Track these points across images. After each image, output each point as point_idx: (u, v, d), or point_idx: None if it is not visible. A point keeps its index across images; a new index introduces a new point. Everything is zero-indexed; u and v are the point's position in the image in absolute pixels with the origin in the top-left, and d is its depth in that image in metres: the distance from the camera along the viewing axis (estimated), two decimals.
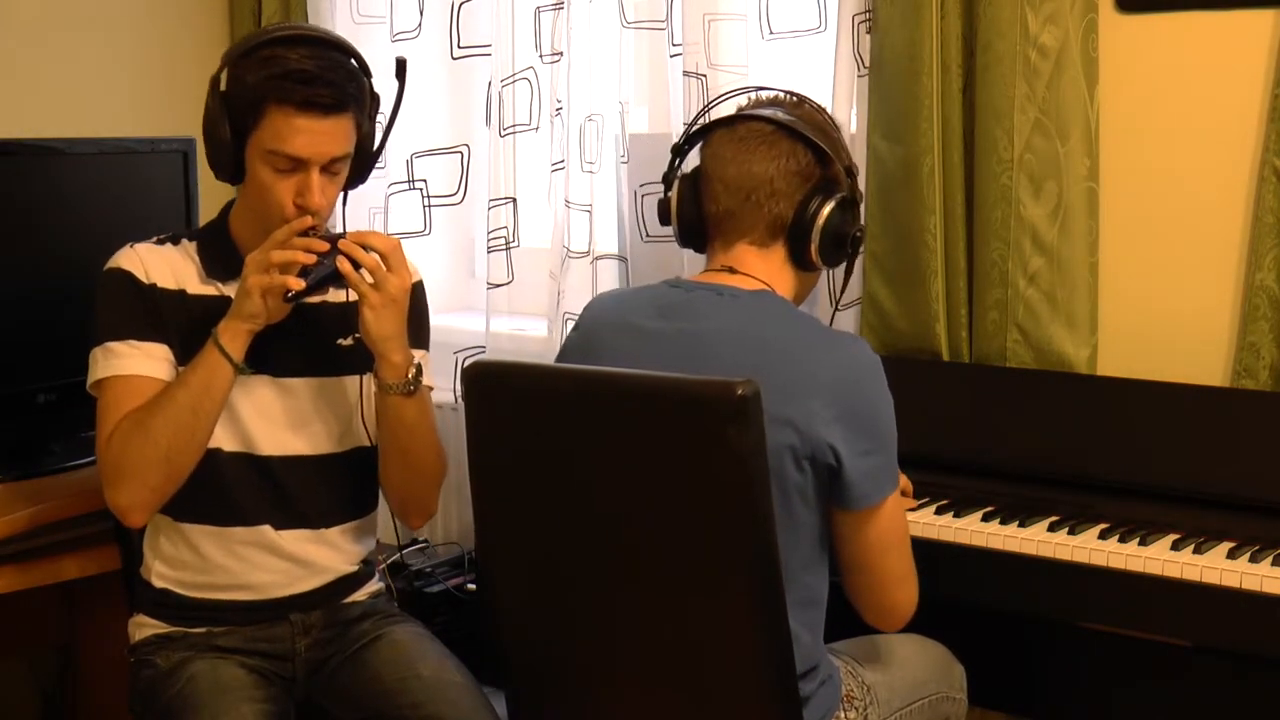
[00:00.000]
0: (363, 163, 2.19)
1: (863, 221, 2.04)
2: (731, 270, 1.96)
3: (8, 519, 2.36)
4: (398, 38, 3.10)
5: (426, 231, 3.17)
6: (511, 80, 2.98)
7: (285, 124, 2.04)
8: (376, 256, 2.08)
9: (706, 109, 2.10)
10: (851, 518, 1.88)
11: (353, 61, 2.13)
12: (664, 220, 2.07)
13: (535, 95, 2.99)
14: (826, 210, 1.94)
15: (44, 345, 2.61)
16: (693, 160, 2.06)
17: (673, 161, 2.08)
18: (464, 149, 3.15)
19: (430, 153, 3.16)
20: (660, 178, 2.09)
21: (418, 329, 2.23)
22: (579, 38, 2.89)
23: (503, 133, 2.98)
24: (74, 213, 2.67)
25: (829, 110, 2.58)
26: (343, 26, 3.15)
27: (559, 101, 2.90)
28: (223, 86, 2.11)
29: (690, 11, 2.73)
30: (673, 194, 2.04)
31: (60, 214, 2.66)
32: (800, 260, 1.97)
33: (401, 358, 2.11)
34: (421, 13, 3.10)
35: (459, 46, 3.07)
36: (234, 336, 2.07)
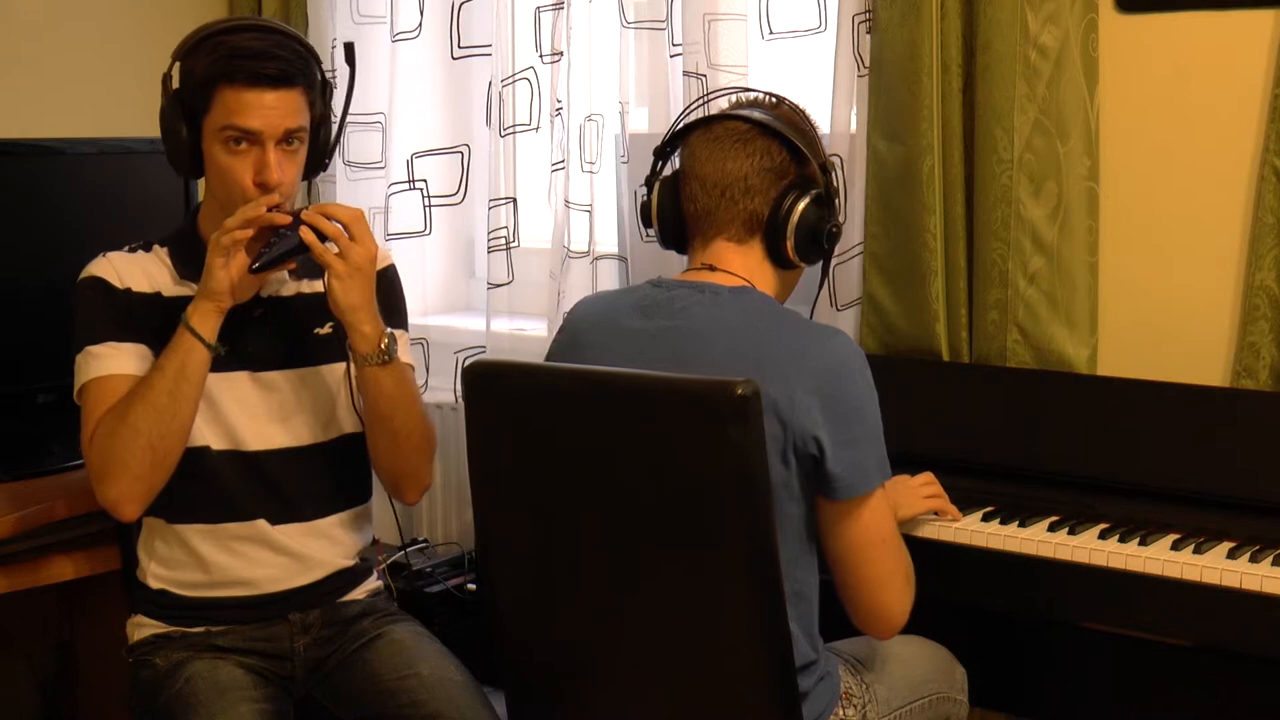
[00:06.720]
0: (320, 148, 2.21)
1: (841, 219, 2.05)
2: (711, 268, 1.98)
3: (6, 519, 2.36)
4: (398, 38, 3.10)
5: (426, 231, 3.17)
6: (511, 80, 2.98)
7: (235, 99, 2.07)
8: (340, 226, 2.09)
9: (686, 112, 2.11)
10: (835, 509, 1.88)
11: (299, 45, 2.15)
12: (646, 222, 2.09)
13: (535, 95, 2.99)
14: (801, 206, 1.96)
15: (44, 345, 2.60)
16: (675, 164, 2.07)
17: (655, 164, 2.09)
18: (464, 149, 3.15)
19: (430, 153, 3.16)
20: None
21: (393, 311, 2.25)
22: (579, 38, 2.89)
23: (503, 133, 2.98)
24: (74, 213, 2.67)
25: (830, 111, 2.61)
26: (343, 26, 3.15)
27: (559, 101, 2.90)
28: (175, 83, 2.15)
29: (690, 11, 2.72)
30: (653, 196, 2.06)
31: (60, 214, 2.66)
32: (778, 257, 1.99)
33: (371, 328, 2.12)
34: (421, 13, 3.10)
35: (459, 46, 3.07)
36: (203, 316, 2.08)
